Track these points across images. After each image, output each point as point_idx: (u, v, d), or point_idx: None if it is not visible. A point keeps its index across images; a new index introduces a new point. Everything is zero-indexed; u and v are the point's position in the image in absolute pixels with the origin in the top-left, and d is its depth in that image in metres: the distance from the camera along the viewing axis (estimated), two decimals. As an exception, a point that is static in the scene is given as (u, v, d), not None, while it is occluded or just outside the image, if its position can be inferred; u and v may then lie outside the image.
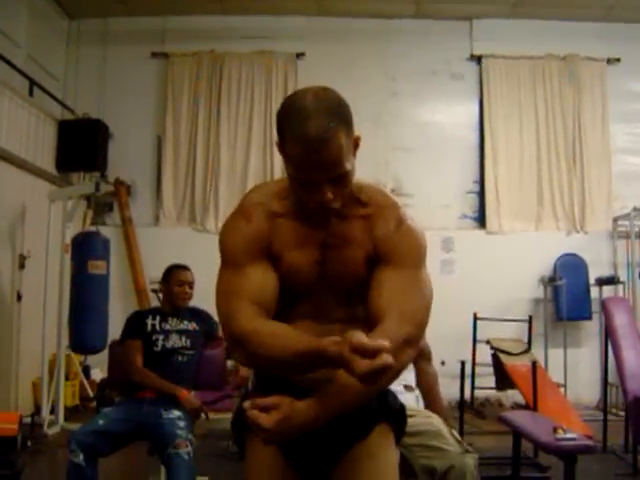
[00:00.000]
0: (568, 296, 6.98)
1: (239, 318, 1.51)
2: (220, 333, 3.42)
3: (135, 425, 3.14)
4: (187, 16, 7.56)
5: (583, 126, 7.58)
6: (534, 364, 5.12)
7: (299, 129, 1.43)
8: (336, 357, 1.31)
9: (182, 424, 3.14)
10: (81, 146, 6.94)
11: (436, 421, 2.86)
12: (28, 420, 5.12)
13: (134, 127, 7.52)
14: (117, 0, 7.26)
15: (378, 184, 1.76)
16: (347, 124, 1.48)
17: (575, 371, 6.90)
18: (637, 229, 7.05)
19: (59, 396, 5.63)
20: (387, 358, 1.24)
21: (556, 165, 7.55)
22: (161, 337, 3.47)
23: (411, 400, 2.99)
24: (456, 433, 2.89)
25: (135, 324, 3.53)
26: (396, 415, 1.70)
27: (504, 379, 5.98)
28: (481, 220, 7.59)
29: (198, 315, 3.60)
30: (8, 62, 5.86)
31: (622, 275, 7.12)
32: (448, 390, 4.41)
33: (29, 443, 4.65)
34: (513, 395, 6.48)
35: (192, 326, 3.54)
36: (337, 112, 1.47)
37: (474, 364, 6.33)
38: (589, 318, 7.18)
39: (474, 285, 6.97)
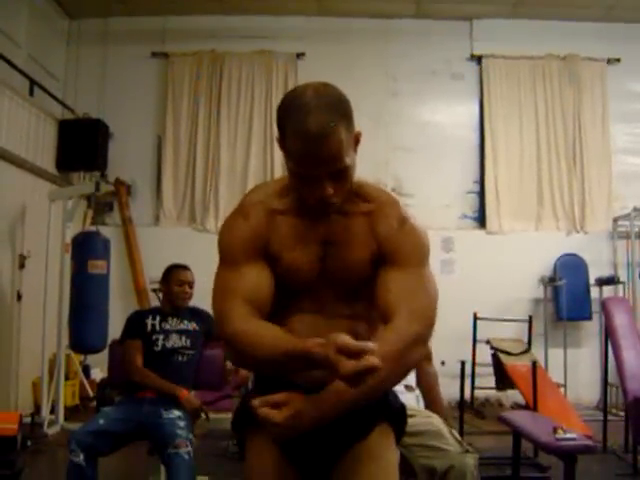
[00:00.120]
0: (568, 296, 6.98)
1: (231, 317, 1.53)
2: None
3: (135, 425, 3.14)
4: (187, 16, 7.56)
5: (583, 126, 7.58)
6: (534, 364, 5.12)
7: (300, 124, 1.44)
8: (321, 358, 1.32)
9: (182, 424, 3.14)
10: (81, 146, 6.94)
11: (436, 421, 2.86)
12: (28, 420, 5.12)
13: (134, 127, 7.52)
14: (117, 0, 7.26)
15: (379, 183, 1.77)
16: (347, 119, 1.49)
17: (575, 371, 6.90)
18: (637, 229, 7.05)
19: (59, 396, 5.63)
20: (373, 360, 1.25)
21: (556, 165, 7.55)
22: (161, 337, 3.46)
23: (411, 400, 2.99)
24: (456, 433, 2.89)
25: (135, 324, 3.52)
26: (396, 415, 1.71)
27: (504, 379, 5.98)
28: (481, 220, 7.59)
29: (198, 315, 3.60)
30: (8, 62, 5.86)
31: (622, 275, 7.12)
32: (448, 390, 4.41)
33: (29, 443, 4.64)
34: (513, 395, 6.47)
35: (192, 326, 3.54)
36: (337, 107, 1.48)
37: (474, 364, 6.33)
38: (589, 318, 7.18)
39: (474, 285, 6.97)
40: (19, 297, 5.96)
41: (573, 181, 7.52)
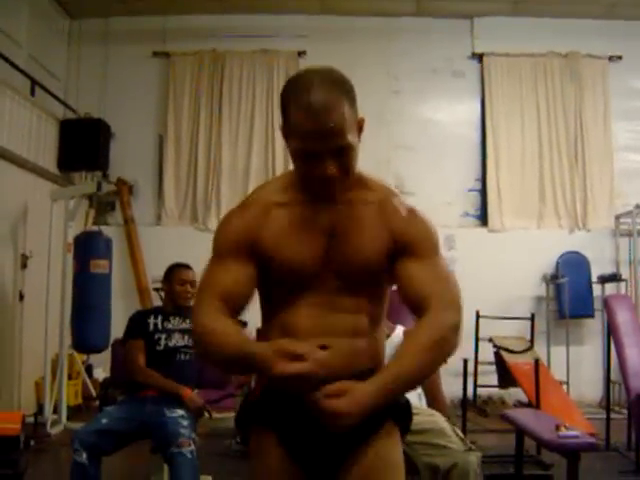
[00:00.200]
0: (570, 294, 6.97)
1: (201, 312, 1.57)
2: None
3: (138, 424, 3.14)
4: (188, 15, 7.57)
5: (585, 124, 7.57)
6: (537, 362, 5.11)
7: (303, 98, 1.45)
8: (261, 360, 1.39)
9: (185, 423, 3.14)
10: (83, 145, 6.95)
11: (439, 419, 2.86)
12: (31, 420, 5.12)
13: (136, 126, 7.53)
14: (118, 0, 7.26)
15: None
16: (351, 99, 1.50)
17: (578, 369, 6.90)
18: (639, 226, 7.04)
19: (62, 395, 5.63)
20: (306, 366, 1.33)
21: (558, 163, 7.54)
22: (163, 336, 3.47)
23: (414, 398, 2.99)
24: (459, 431, 2.89)
25: (137, 324, 3.52)
26: (402, 412, 1.69)
27: (507, 377, 5.97)
28: (483, 218, 7.59)
29: (200, 314, 3.59)
30: (10, 62, 5.86)
31: (624, 273, 7.12)
32: (451, 388, 4.41)
33: (32, 442, 4.64)
34: (516, 393, 6.47)
35: (194, 325, 3.54)
36: (341, 85, 1.50)
37: (477, 362, 6.34)
38: (592, 316, 7.17)
39: (476, 283, 6.94)
40: (21, 297, 5.97)
41: (575, 179, 7.51)
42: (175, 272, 3.59)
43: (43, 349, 5.70)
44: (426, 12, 7.60)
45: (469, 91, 7.75)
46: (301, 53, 7.59)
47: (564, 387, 6.44)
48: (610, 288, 7.07)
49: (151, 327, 3.48)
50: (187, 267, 3.62)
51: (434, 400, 3.04)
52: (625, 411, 5.32)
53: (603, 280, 7.08)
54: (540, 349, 6.50)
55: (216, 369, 3.58)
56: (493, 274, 7.04)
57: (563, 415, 4.60)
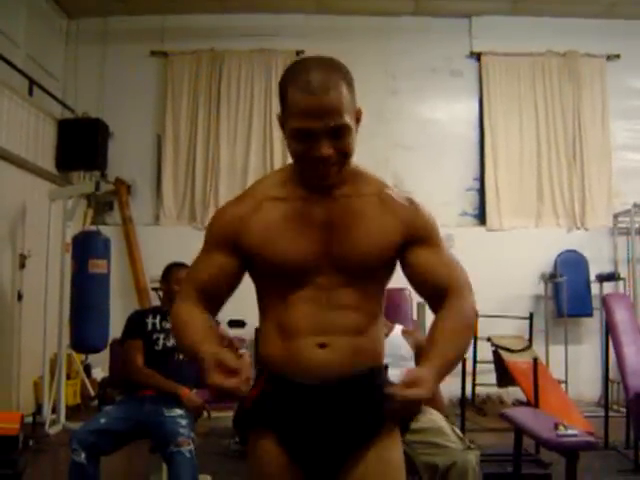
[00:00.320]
0: (569, 293, 6.98)
1: (178, 300, 1.67)
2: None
3: (136, 423, 3.14)
4: (186, 15, 7.56)
5: (583, 123, 7.58)
6: (535, 361, 5.12)
7: (302, 77, 1.47)
8: (203, 366, 1.44)
9: (184, 422, 3.14)
10: (81, 145, 6.94)
11: (438, 418, 2.86)
12: (30, 419, 5.13)
13: (134, 126, 7.52)
14: (116, -1, 7.27)
15: None
16: (349, 84, 1.51)
17: (576, 368, 6.91)
18: (637, 225, 7.05)
19: (60, 395, 5.63)
20: (234, 383, 1.39)
21: (556, 162, 7.55)
22: (162, 336, 3.46)
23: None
24: (458, 430, 2.90)
25: (135, 324, 3.52)
26: None
27: (505, 376, 5.98)
28: (481, 217, 7.60)
29: (199, 313, 3.59)
30: (7, 62, 5.86)
31: (622, 271, 7.13)
32: (449, 387, 4.41)
33: (31, 442, 4.66)
34: (514, 392, 6.47)
35: (193, 324, 3.53)
36: (340, 69, 1.52)
37: (475, 361, 6.34)
38: (590, 315, 7.18)
39: (474, 282, 6.81)
40: (20, 297, 5.96)
41: (573, 177, 7.51)
42: (173, 272, 3.59)
43: (42, 349, 5.71)
44: (425, 11, 7.60)
45: (467, 90, 7.76)
46: (299, 52, 7.57)
47: (562, 386, 6.44)
48: (608, 287, 7.06)
49: (149, 327, 3.48)
50: (185, 267, 3.60)
51: (432, 399, 3.04)
52: (623, 410, 5.34)
53: (601, 279, 7.08)
54: (538, 348, 6.50)
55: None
56: (491, 273, 7.02)
57: (562, 414, 4.60)
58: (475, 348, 6.26)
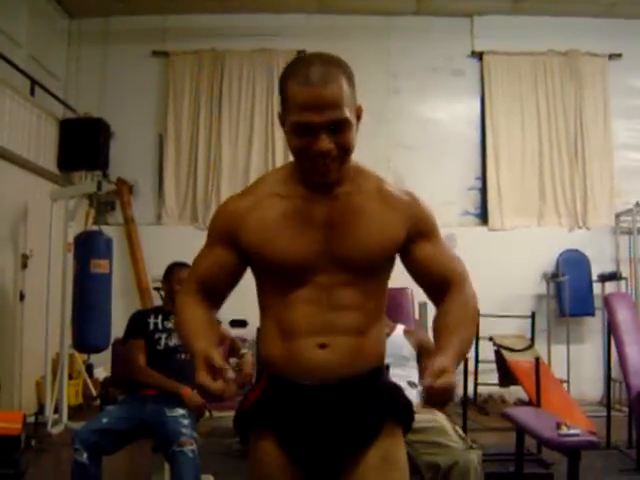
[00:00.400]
0: (571, 292, 6.97)
1: (180, 293, 1.71)
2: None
3: (139, 423, 3.14)
4: (188, 14, 7.56)
5: (585, 122, 7.57)
6: (537, 360, 5.11)
7: (302, 72, 1.46)
8: (194, 362, 1.48)
9: (186, 422, 3.14)
10: (83, 145, 6.94)
11: (439, 418, 2.86)
12: (32, 419, 5.13)
13: (135, 126, 7.52)
14: (118, -1, 7.27)
15: None
16: (350, 79, 1.51)
17: (578, 367, 6.90)
18: (639, 225, 7.04)
19: (62, 395, 5.63)
20: (219, 385, 1.43)
21: (558, 161, 7.54)
22: (164, 335, 3.47)
23: (414, 396, 2.99)
24: (459, 429, 2.90)
25: (137, 324, 3.53)
26: (404, 411, 1.67)
27: (507, 375, 5.98)
28: (483, 216, 7.59)
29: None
30: (9, 62, 5.86)
31: (624, 271, 7.12)
32: (451, 387, 4.38)
33: (33, 442, 4.66)
34: (516, 391, 6.47)
35: (194, 324, 3.53)
36: (341, 65, 1.52)
37: (477, 361, 6.34)
38: (592, 314, 7.17)
39: (476, 282, 6.81)
40: (22, 297, 5.96)
41: (575, 177, 7.51)
42: (175, 271, 3.59)
43: (44, 349, 5.71)
44: (426, 11, 7.60)
45: (469, 90, 7.75)
46: (300, 52, 7.53)
47: (564, 385, 6.44)
48: (610, 286, 7.06)
49: (151, 326, 3.48)
50: (187, 266, 3.59)
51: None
52: (626, 409, 5.32)
53: (603, 278, 7.08)
54: (540, 347, 6.50)
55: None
56: (493, 273, 7.02)
57: (563, 413, 4.60)
58: (477, 347, 6.25)
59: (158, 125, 7.63)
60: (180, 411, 3.21)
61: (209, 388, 1.43)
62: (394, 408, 1.64)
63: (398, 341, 3.28)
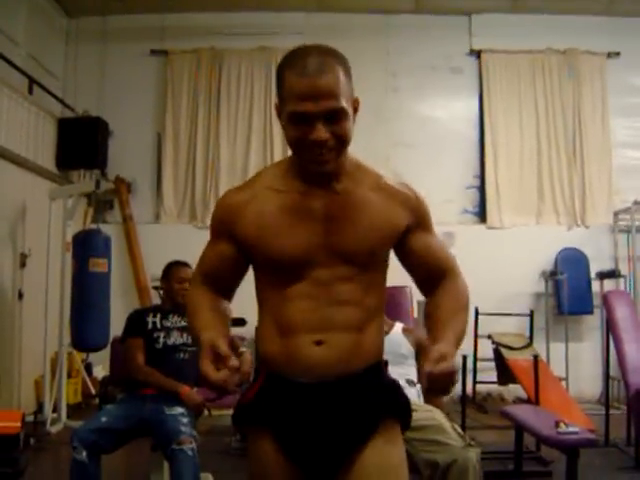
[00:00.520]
0: (569, 290, 6.98)
1: (191, 286, 1.75)
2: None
3: (138, 422, 3.15)
4: (186, 13, 7.55)
5: (583, 120, 7.57)
6: (536, 358, 5.11)
7: (299, 62, 1.47)
8: (199, 351, 1.49)
9: (185, 420, 3.15)
10: (81, 144, 6.93)
11: (438, 415, 2.86)
12: (31, 418, 5.14)
13: (134, 124, 7.52)
14: (116, -2, 7.26)
15: None
16: (346, 70, 1.52)
17: (577, 365, 6.91)
18: (638, 223, 7.04)
19: (61, 394, 5.63)
20: (222, 376, 1.43)
21: (556, 159, 7.54)
22: (162, 334, 3.47)
23: (413, 395, 3.00)
24: (458, 427, 2.90)
25: (136, 322, 3.53)
26: (402, 409, 1.67)
27: (506, 373, 5.99)
28: (482, 215, 7.59)
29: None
30: (7, 60, 5.85)
31: (623, 269, 7.12)
32: (450, 385, 4.38)
33: (32, 441, 4.66)
34: (515, 389, 6.48)
35: (193, 323, 3.54)
36: (337, 56, 1.52)
37: (476, 359, 6.35)
38: (590, 312, 7.17)
39: (475, 280, 6.85)
40: (20, 296, 5.96)
41: (573, 175, 7.51)
42: (173, 270, 3.59)
43: (42, 348, 5.71)
44: (424, 9, 7.60)
45: (467, 88, 7.75)
46: (299, 51, 7.57)
47: (563, 383, 6.45)
48: (609, 284, 7.06)
49: (150, 325, 3.49)
50: (185, 265, 3.62)
51: (432, 396, 3.04)
52: (624, 407, 5.34)
53: (602, 276, 7.08)
54: (539, 345, 6.50)
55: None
56: (492, 271, 7.03)
57: (562, 411, 4.61)
58: (476, 345, 6.26)
59: (156, 124, 7.63)
60: (179, 409, 3.21)
61: (210, 378, 1.43)
62: (392, 405, 1.64)
63: (397, 339, 3.28)
